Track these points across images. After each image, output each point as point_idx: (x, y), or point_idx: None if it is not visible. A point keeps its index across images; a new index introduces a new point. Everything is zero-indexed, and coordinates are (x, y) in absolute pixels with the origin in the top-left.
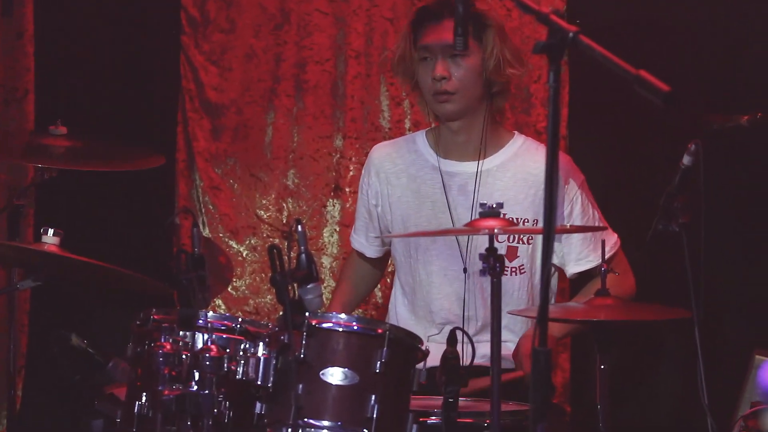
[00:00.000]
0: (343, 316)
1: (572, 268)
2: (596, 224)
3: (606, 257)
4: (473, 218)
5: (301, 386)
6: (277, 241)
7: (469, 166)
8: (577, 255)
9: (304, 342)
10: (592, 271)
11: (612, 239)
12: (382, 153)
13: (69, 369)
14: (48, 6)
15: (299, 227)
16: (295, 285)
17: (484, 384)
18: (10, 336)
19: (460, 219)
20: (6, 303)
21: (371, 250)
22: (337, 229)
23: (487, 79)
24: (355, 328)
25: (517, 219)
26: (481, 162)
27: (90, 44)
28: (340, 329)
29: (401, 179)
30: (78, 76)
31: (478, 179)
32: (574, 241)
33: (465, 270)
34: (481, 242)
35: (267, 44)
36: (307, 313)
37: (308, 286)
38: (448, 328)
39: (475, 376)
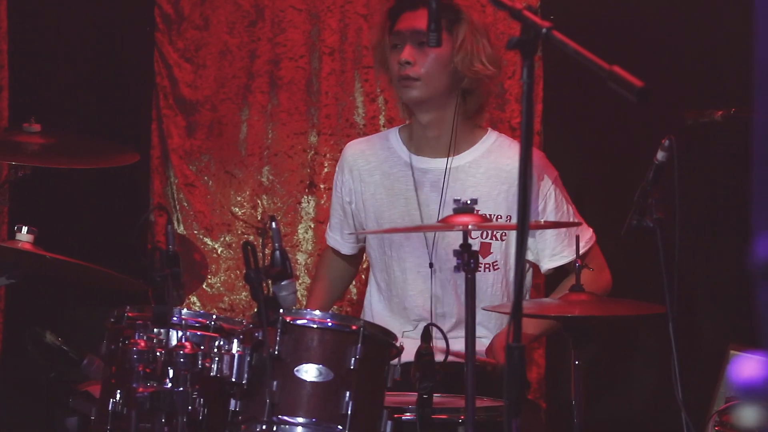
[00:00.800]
0: (317, 312)
1: (547, 264)
2: (570, 219)
3: (581, 252)
4: (443, 215)
5: (275, 383)
6: (251, 238)
7: (441, 163)
8: (552, 251)
9: (278, 339)
10: (567, 267)
11: (587, 234)
12: (355, 150)
13: (43, 366)
14: (22, 2)
15: (273, 224)
16: (269, 282)
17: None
18: None
19: (431, 216)
20: None
21: (346, 248)
22: (312, 226)
23: (454, 71)
24: (330, 324)
25: (490, 215)
26: (450, 159)
27: (64, 41)
28: (315, 326)
29: (374, 176)
30: (52, 73)
31: (447, 176)
32: (548, 236)
33: (431, 265)
34: (451, 238)
35: (241, 41)
36: (281, 310)
37: (282, 283)
38: (422, 325)
39: (449, 371)
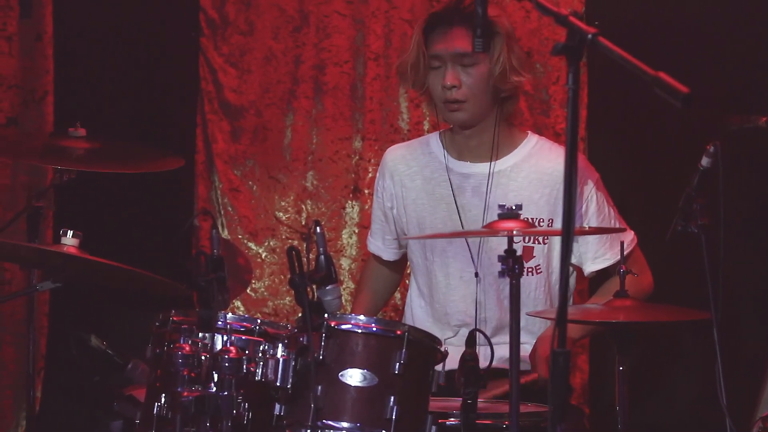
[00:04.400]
0: (362, 317)
1: (589, 267)
2: (612, 222)
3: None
4: (487, 220)
5: (320, 387)
6: (295, 242)
7: (483, 168)
8: (594, 253)
9: (323, 343)
10: (609, 269)
11: (629, 236)
12: (396, 155)
13: (88, 370)
14: (67, 8)
15: (318, 229)
16: (313, 287)
17: (501, 390)
18: (30, 337)
19: (474, 221)
20: (25, 304)
21: (388, 253)
22: (356, 231)
23: (494, 86)
24: (374, 329)
25: (532, 219)
26: (493, 163)
27: (109, 46)
28: (359, 331)
29: (415, 181)
30: (97, 78)
31: (490, 180)
32: (590, 239)
33: (476, 274)
34: (495, 244)
35: (286, 46)
36: (326, 315)
37: (327, 288)
38: (463, 331)
39: (492, 378)
